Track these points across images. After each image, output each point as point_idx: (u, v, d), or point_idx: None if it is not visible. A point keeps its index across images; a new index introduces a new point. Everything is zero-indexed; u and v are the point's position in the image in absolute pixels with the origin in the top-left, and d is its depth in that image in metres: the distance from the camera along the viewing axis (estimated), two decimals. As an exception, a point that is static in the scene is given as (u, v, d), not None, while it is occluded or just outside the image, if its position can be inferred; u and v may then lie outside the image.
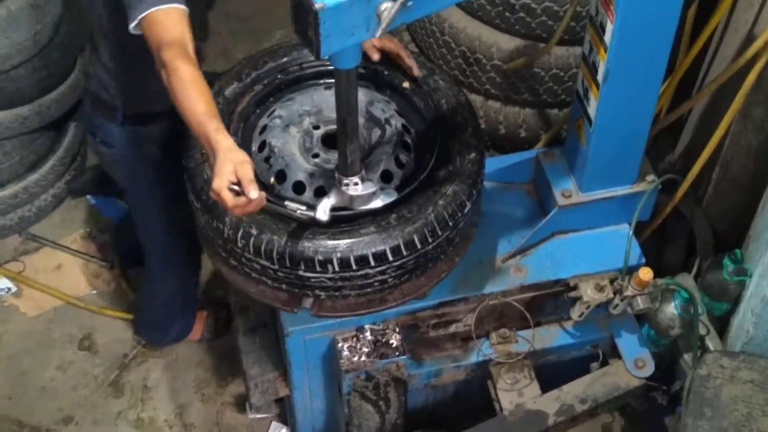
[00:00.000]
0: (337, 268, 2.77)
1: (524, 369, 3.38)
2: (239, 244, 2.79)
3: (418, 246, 2.79)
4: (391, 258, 2.77)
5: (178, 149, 3.08)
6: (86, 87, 3.39)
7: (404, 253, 2.78)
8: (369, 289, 2.88)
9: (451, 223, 2.84)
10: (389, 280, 2.86)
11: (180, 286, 3.93)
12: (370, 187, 2.82)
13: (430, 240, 2.81)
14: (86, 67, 3.44)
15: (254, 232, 2.77)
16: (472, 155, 2.96)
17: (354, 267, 2.77)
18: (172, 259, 3.81)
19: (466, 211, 2.88)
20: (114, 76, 3.21)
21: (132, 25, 2.72)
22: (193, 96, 2.59)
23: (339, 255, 2.74)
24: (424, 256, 2.85)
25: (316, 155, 3.00)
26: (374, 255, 2.76)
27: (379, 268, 2.80)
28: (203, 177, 2.88)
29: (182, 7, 2.71)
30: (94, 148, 3.57)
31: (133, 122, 3.32)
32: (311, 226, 2.77)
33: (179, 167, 3.05)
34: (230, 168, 2.43)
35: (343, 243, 2.75)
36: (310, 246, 2.74)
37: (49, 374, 4.21)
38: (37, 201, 4.60)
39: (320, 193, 2.89)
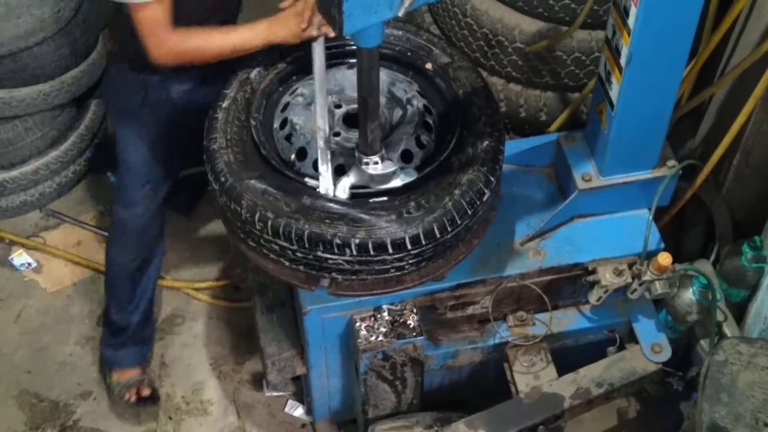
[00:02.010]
0: (354, 252, 2.78)
1: (541, 352, 3.39)
2: (257, 227, 2.81)
3: (437, 235, 2.80)
4: (409, 246, 2.78)
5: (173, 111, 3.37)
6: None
7: (423, 242, 2.79)
8: (386, 275, 2.89)
9: (470, 212, 2.84)
10: (406, 266, 2.87)
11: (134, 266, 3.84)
12: (390, 166, 2.83)
13: (449, 229, 2.81)
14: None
15: (270, 215, 2.78)
16: (488, 143, 2.96)
17: (372, 253, 2.78)
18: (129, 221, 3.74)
19: (485, 198, 2.88)
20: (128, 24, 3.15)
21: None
22: (216, 39, 3.03)
23: (357, 241, 2.75)
24: (443, 244, 2.86)
25: (337, 134, 3.00)
26: (393, 243, 2.76)
27: (396, 255, 2.80)
28: (224, 160, 2.89)
29: None
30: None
31: (139, 68, 3.29)
32: (329, 211, 2.78)
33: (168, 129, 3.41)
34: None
35: (362, 230, 2.76)
36: (328, 230, 2.75)
37: (68, 349, 4.23)
38: (58, 177, 4.62)
39: (340, 171, 2.90)
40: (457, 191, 2.82)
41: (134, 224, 3.70)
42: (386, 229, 2.75)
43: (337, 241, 2.74)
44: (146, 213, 3.68)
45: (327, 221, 2.75)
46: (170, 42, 3.01)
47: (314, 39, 2.83)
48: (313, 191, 2.83)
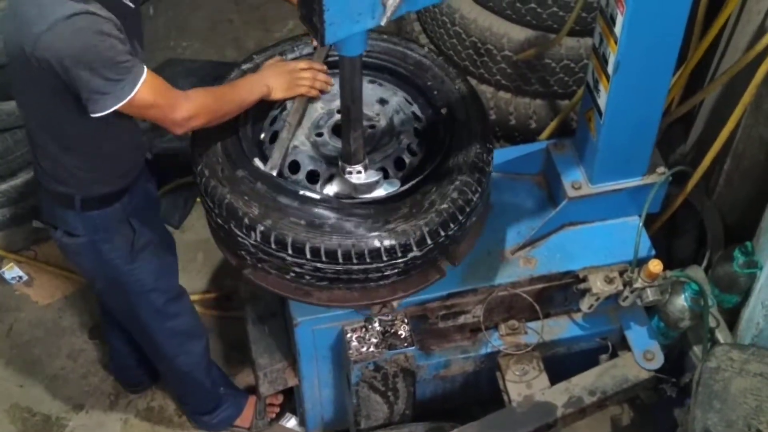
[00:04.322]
0: (258, 239, 2.76)
1: (533, 360, 3.38)
2: (199, 182, 2.89)
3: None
4: (290, 251, 2.75)
5: (149, 215, 3.21)
6: (36, 179, 3.12)
7: (290, 250, 2.75)
8: (287, 275, 2.85)
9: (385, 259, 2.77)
10: (307, 276, 2.82)
11: (203, 352, 3.69)
12: (373, 176, 2.81)
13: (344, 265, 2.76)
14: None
15: (206, 173, 2.85)
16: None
17: (273, 246, 2.75)
18: (178, 328, 3.52)
19: (420, 250, 2.79)
20: (62, 165, 2.92)
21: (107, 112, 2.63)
22: (226, 91, 2.90)
23: (262, 228, 2.74)
24: (347, 273, 2.80)
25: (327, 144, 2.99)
26: (293, 243, 2.73)
27: (297, 259, 2.77)
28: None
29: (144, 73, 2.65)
30: (58, 242, 3.18)
31: (93, 207, 3.02)
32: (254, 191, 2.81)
33: (155, 232, 3.23)
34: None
35: (269, 220, 2.74)
36: (243, 207, 2.77)
37: (60, 363, 4.22)
38: (49, 190, 4.61)
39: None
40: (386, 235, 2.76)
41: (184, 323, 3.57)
42: (289, 225, 2.74)
43: (246, 221, 2.74)
44: (186, 307, 3.58)
45: (246, 198, 2.77)
46: (192, 97, 2.76)
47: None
48: (251, 167, 2.85)
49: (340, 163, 2.83)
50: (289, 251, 2.73)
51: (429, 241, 2.75)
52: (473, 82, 3.80)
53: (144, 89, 2.62)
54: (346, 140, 2.76)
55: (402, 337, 3.17)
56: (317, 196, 2.81)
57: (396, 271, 2.81)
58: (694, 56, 3.54)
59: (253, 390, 3.92)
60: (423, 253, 2.77)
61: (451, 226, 2.78)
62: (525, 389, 3.34)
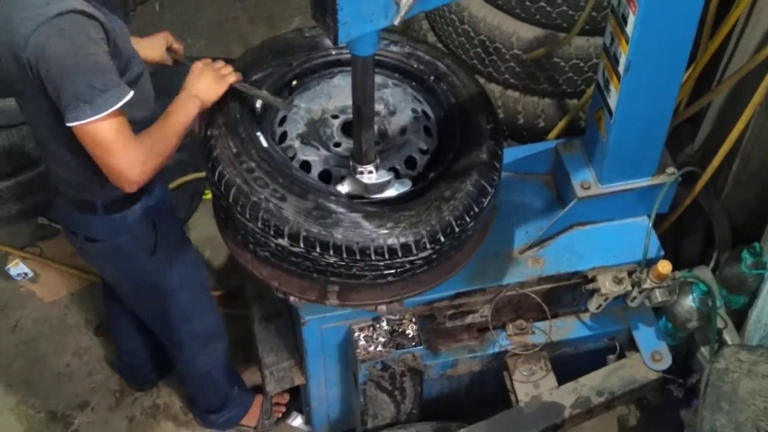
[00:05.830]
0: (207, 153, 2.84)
1: (541, 360, 3.37)
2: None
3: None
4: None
5: (166, 213, 3.19)
6: (52, 186, 3.07)
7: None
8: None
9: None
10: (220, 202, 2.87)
11: (223, 353, 3.70)
12: (385, 176, 2.80)
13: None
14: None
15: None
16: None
17: (210, 163, 2.82)
18: (202, 328, 3.52)
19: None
20: (79, 172, 2.84)
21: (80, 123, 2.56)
22: (169, 129, 2.75)
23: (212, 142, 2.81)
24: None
25: (338, 144, 2.98)
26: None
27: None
28: None
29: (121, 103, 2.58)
30: (78, 248, 3.19)
31: (116, 210, 3.00)
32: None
33: (174, 229, 3.24)
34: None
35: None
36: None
37: (65, 360, 4.22)
38: (55, 186, 4.60)
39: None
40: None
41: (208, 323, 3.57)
42: (225, 149, 2.80)
43: (207, 131, 2.86)
44: (211, 307, 3.58)
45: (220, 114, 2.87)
46: (142, 152, 2.66)
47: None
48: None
49: (351, 162, 2.82)
50: (215, 177, 2.79)
51: (302, 244, 2.70)
52: (481, 80, 3.79)
53: (117, 115, 2.57)
54: (358, 141, 2.75)
55: (410, 336, 3.17)
56: (266, 146, 2.84)
57: (275, 255, 2.79)
58: (703, 57, 3.53)
59: (259, 389, 3.91)
60: (297, 251, 2.73)
61: (344, 256, 2.72)
62: (532, 389, 3.33)
